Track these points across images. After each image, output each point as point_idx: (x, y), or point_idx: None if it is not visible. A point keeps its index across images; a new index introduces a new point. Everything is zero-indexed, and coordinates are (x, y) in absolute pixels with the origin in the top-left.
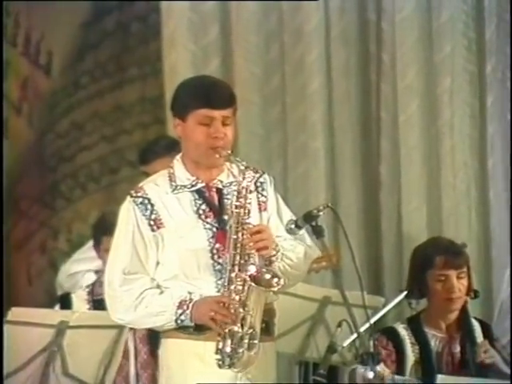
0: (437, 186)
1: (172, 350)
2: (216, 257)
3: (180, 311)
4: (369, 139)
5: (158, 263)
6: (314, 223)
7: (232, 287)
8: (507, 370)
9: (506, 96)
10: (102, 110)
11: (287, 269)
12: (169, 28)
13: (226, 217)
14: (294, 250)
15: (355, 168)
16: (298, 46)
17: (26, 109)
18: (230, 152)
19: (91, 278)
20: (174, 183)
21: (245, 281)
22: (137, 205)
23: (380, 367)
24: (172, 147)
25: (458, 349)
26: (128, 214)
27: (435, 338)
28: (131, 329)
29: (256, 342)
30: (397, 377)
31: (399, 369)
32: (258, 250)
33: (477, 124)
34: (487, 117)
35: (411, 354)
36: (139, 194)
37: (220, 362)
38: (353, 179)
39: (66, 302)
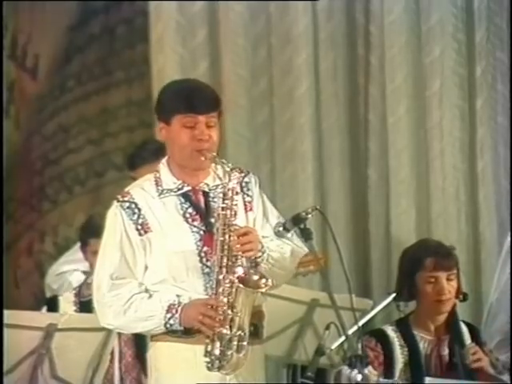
0: (425, 189)
1: (161, 353)
2: (204, 260)
3: (169, 315)
4: (357, 142)
5: (146, 268)
6: (302, 226)
7: (220, 289)
8: (494, 373)
9: (495, 99)
10: (89, 113)
11: (273, 269)
12: (157, 31)
13: (212, 220)
14: (281, 250)
15: (343, 171)
16: (285, 49)
17: (13, 111)
18: (215, 154)
19: (79, 277)
20: (160, 187)
21: (232, 282)
22: (124, 209)
23: (367, 369)
24: (160, 152)
25: (446, 351)
26: (115, 219)
27: (424, 341)
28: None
29: (245, 343)
30: (382, 380)
31: (388, 371)
32: (244, 252)
33: (466, 127)
34: (477, 120)
35: (400, 357)
36: (126, 199)
37: (209, 365)
38: (341, 182)
39: (53, 305)
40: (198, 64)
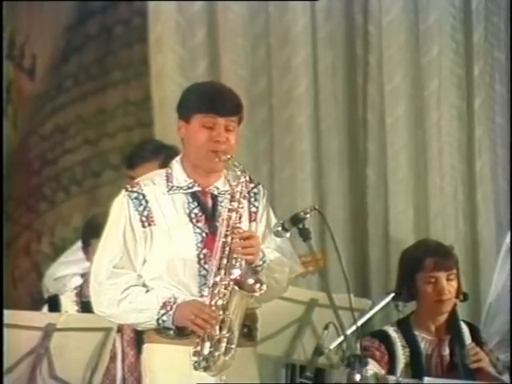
0: (424, 189)
1: (155, 354)
2: (202, 262)
3: (163, 311)
4: (355, 142)
5: (144, 261)
6: (300, 226)
7: (216, 291)
8: (495, 373)
9: (493, 99)
10: (86, 114)
11: (270, 281)
12: (156, 31)
13: (217, 223)
14: (280, 263)
15: (342, 170)
16: (284, 49)
17: (11, 111)
18: (229, 157)
19: (77, 282)
20: (170, 183)
21: (228, 284)
22: (131, 199)
23: (376, 368)
24: (159, 151)
25: (447, 351)
26: (121, 208)
27: (425, 341)
28: (119, 331)
29: (233, 346)
30: (390, 377)
31: (389, 371)
32: (244, 255)
33: (464, 127)
34: (475, 119)
35: (402, 357)
36: (135, 189)
37: (196, 364)
38: (339, 182)
39: (54, 304)
40: (197, 64)
